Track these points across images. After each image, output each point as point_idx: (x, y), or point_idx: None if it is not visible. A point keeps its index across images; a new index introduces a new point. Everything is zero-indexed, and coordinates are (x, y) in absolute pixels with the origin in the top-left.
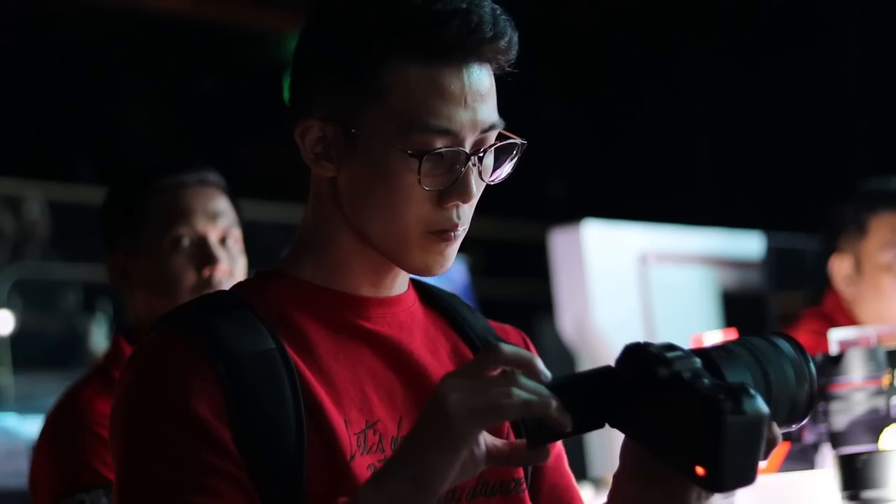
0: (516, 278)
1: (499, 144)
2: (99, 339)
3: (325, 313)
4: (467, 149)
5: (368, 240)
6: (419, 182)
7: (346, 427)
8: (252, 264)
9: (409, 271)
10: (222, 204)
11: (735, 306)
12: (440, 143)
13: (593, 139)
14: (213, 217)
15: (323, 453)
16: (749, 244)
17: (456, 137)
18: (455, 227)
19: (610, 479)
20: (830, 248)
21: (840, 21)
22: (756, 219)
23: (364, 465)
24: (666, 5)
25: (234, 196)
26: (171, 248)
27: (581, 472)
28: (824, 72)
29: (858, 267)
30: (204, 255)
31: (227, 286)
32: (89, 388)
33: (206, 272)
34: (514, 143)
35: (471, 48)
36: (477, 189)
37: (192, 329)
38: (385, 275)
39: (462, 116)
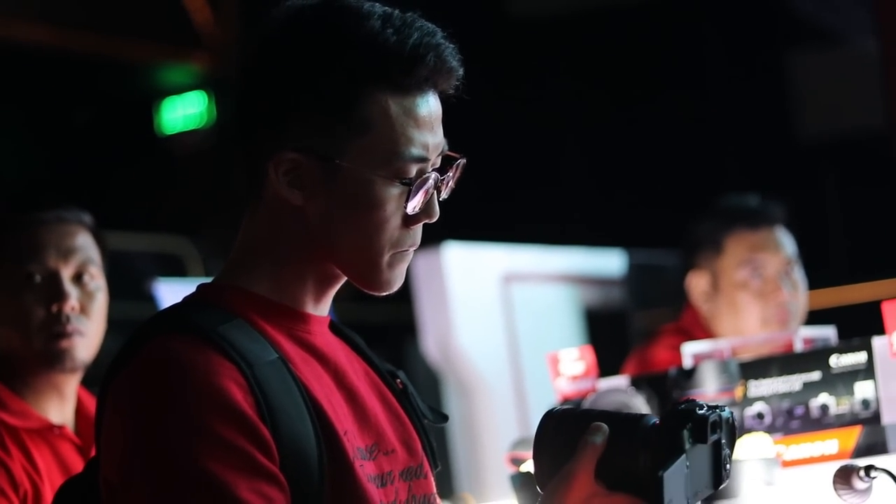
0: (383, 302)
1: (461, 162)
2: None
3: (285, 327)
4: (433, 171)
5: (333, 263)
6: (405, 208)
7: (343, 434)
8: (123, 294)
9: (372, 289)
10: (80, 240)
11: (597, 324)
12: (415, 169)
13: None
14: (67, 253)
15: (331, 457)
16: (610, 262)
17: (427, 162)
18: (416, 244)
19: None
20: (688, 265)
21: (705, 40)
22: (617, 236)
23: (363, 470)
24: (537, 27)
25: (99, 231)
26: (24, 284)
27: (447, 491)
28: (686, 90)
29: (715, 284)
30: (53, 292)
31: (77, 323)
32: None
33: (53, 308)
34: (458, 162)
35: (440, 79)
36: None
37: (210, 334)
38: (327, 293)
39: (431, 142)
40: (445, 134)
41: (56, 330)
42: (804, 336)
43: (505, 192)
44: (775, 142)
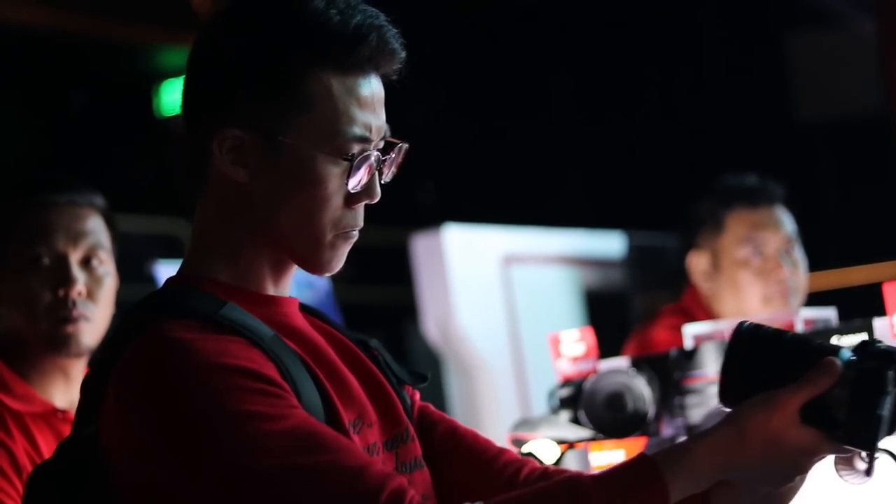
0: (384, 284)
1: (403, 146)
2: None
3: (258, 312)
4: (375, 151)
5: (277, 241)
6: (346, 184)
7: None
8: (122, 275)
9: (313, 270)
10: (90, 223)
11: (598, 305)
12: (357, 149)
13: (461, 144)
14: (76, 237)
15: (336, 428)
16: (611, 244)
17: (369, 143)
18: (358, 226)
19: None
20: (688, 245)
21: (702, 22)
22: (618, 218)
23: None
24: (535, 7)
25: (111, 215)
26: (31, 266)
27: None
28: (681, 71)
29: (715, 263)
30: (60, 275)
31: (83, 308)
32: None
33: (60, 292)
34: (401, 146)
35: (382, 61)
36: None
37: (214, 317)
38: (284, 275)
39: (373, 123)
40: (449, 117)
41: (62, 314)
42: (805, 317)
43: (504, 173)
44: (774, 123)
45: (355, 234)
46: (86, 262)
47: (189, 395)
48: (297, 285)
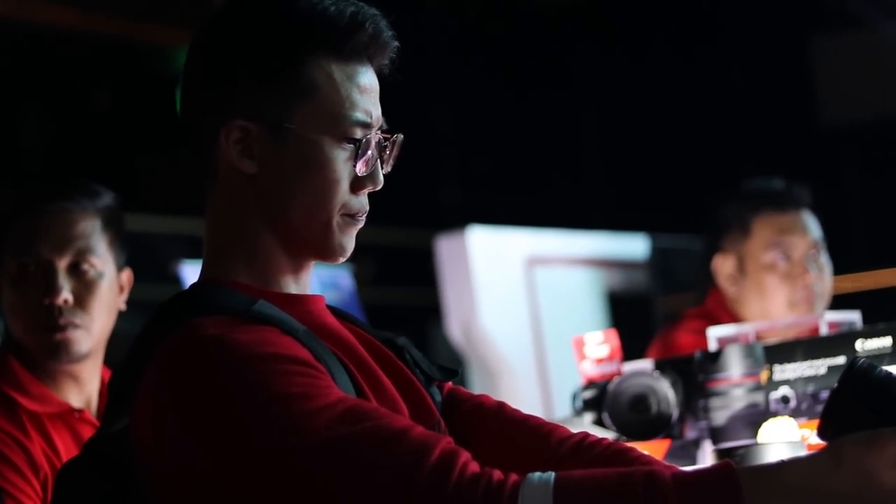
0: (409, 286)
1: (398, 137)
2: None
3: (287, 311)
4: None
5: (290, 230)
6: (354, 167)
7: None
8: (149, 276)
9: (326, 255)
10: (80, 228)
11: (621, 308)
12: (360, 133)
13: (485, 145)
14: (63, 243)
15: None
16: (634, 246)
17: (370, 129)
18: (365, 211)
19: None
20: (712, 248)
21: (726, 24)
22: (641, 220)
23: None
24: (557, 10)
25: (113, 214)
26: (19, 274)
27: None
28: (708, 74)
29: (742, 266)
30: (46, 285)
31: (70, 316)
32: None
33: (45, 301)
34: (396, 138)
35: (377, 51)
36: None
37: (248, 313)
38: (303, 270)
39: (373, 111)
40: (473, 119)
41: (49, 323)
42: (829, 320)
43: (529, 176)
44: (799, 127)
45: (362, 219)
46: (74, 268)
47: (231, 387)
48: (321, 286)
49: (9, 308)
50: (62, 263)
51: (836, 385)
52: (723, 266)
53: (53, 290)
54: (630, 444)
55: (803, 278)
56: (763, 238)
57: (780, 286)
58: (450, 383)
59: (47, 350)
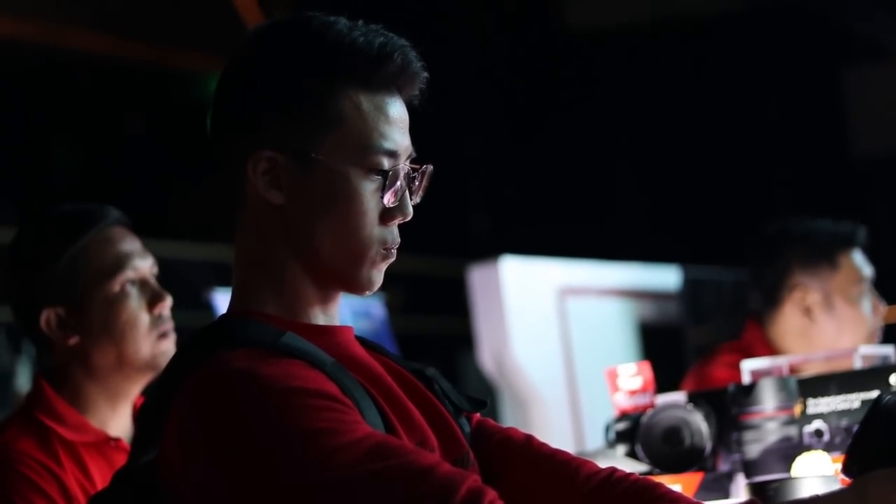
0: (440, 314)
1: (428, 168)
2: (24, 380)
3: (315, 343)
4: (404, 168)
5: (319, 262)
6: (382, 198)
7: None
8: (180, 302)
9: (354, 287)
10: (133, 237)
11: (653, 339)
12: (388, 164)
13: (518, 175)
14: (144, 256)
15: None
16: (665, 277)
17: (399, 159)
18: (396, 243)
19: None
20: (770, 281)
21: (759, 57)
22: (672, 252)
23: None
24: (590, 40)
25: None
26: (121, 293)
27: None
28: (743, 108)
29: (828, 300)
30: (151, 294)
31: (171, 322)
32: (11, 429)
33: (156, 310)
34: (426, 168)
35: (405, 81)
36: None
37: (276, 346)
38: (332, 302)
39: (402, 141)
40: (506, 149)
41: (163, 331)
42: (863, 354)
43: (561, 206)
44: (830, 159)
45: (394, 253)
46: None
47: (257, 421)
48: (353, 315)
49: (103, 330)
50: (150, 274)
51: (861, 421)
52: (804, 299)
53: (162, 297)
54: (658, 480)
55: (878, 312)
56: (851, 272)
57: (868, 319)
58: (478, 415)
59: (163, 358)
